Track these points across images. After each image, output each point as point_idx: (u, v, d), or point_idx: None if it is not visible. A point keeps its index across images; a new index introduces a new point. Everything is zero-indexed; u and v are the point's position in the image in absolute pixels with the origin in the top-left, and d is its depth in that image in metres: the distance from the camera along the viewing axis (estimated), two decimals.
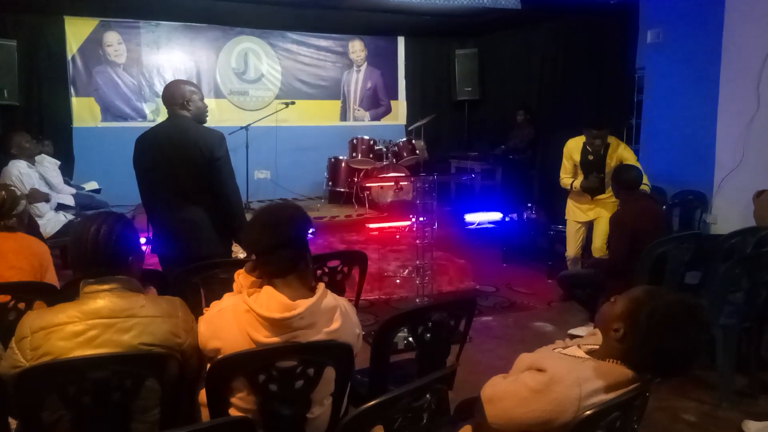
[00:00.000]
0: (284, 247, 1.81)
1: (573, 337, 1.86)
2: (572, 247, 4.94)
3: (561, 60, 7.46)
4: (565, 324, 4.32)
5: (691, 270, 3.75)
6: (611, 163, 4.64)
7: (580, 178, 4.81)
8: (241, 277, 1.90)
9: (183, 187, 3.00)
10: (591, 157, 4.73)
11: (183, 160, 2.97)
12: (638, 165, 4.44)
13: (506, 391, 1.62)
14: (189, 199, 3.01)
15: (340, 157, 7.83)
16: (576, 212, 4.95)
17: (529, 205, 6.68)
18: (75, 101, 7.49)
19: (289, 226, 1.85)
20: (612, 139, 4.78)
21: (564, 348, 1.75)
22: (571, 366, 1.56)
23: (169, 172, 2.99)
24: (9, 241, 2.75)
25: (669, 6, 6.00)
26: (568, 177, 4.91)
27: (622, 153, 4.71)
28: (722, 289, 3.23)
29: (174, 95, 3.07)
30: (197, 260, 2.79)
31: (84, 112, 7.54)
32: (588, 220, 4.87)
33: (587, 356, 1.65)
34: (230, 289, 1.95)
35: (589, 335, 1.88)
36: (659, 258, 3.54)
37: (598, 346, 1.68)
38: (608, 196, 4.65)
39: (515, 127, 7.89)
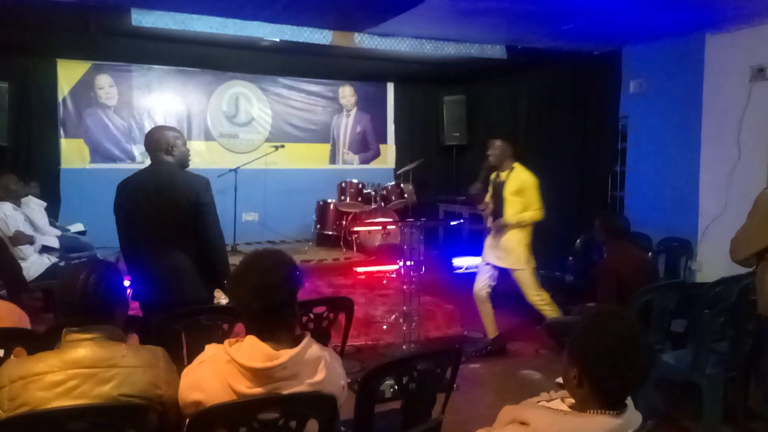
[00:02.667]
0: (277, 310, 1.78)
1: (560, 385, 1.84)
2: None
3: (546, 107, 7.63)
4: (553, 372, 4.28)
5: (676, 318, 3.76)
6: (510, 187, 4.71)
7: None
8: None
9: (167, 232, 3.00)
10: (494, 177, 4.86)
11: (169, 205, 2.97)
12: (538, 197, 4.68)
13: None
14: (173, 244, 3.00)
15: (329, 200, 7.86)
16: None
17: None
18: (64, 142, 7.51)
19: (284, 289, 1.79)
20: (518, 166, 4.83)
21: (548, 401, 1.74)
22: (554, 419, 1.55)
23: (153, 217, 2.99)
24: None
25: (651, 57, 6.20)
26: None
27: (523, 180, 4.76)
28: (707, 338, 3.24)
29: (159, 141, 3.08)
30: (181, 305, 2.77)
31: (73, 153, 7.55)
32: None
33: (569, 410, 1.64)
34: (213, 336, 1.93)
35: None
36: (644, 306, 3.55)
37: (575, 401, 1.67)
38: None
39: None
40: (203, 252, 3.02)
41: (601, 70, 6.76)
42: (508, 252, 4.72)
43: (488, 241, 4.87)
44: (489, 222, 4.90)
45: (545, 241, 7.05)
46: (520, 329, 5.45)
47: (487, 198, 4.92)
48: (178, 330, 2.58)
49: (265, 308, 1.75)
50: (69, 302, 1.82)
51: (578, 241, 5.85)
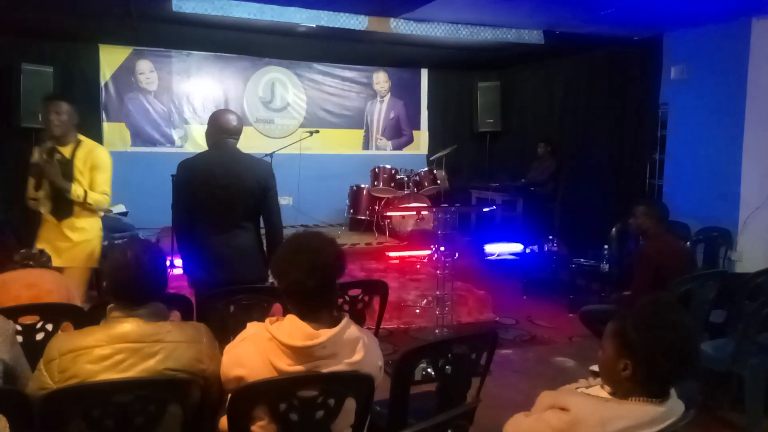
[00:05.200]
0: (326, 288, 1.81)
1: (595, 374, 1.83)
2: None
3: (584, 94, 7.49)
4: (587, 360, 4.23)
5: (716, 308, 3.69)
6: (83, 168, 3.76)
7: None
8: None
9: (234, 214, 3.10)
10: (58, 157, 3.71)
11: (238, 187, 3.08)
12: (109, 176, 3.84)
13: (529, 430, 1.61)
14: (238, 226, 3.12)
15: (362, 186, 7.89)
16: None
17: (551, 237, 6.65)
18: (106, 126, 7.69)
19: (335, 268, 1.84)
20: (86, 140, 3.88)
21: (587, 387, 1.73)
22: (595, 406, 1.55)
23: (222, 198, 3.06)
24: (40, 270, 2.83)
25: (693, 43, 6.02)
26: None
27: (96, 158, 3.81)
28: (750, 329, 3.18)
29: (226, 124, 3.17)
30: (245, 284, 2.85)
31: (114, 136, 7.73)
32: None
33: (610, 397, 1.63)
34: (253, 315, 1.97)
35: None
36: (683, 295, 3.49)
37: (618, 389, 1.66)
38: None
39: (536, 160, 7.90)
40: (266, 233, 3.18)
41: (642, 56, 6.60)
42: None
43: None
44: None
45: (580, 230, 7.01)
46: (553, 316, 5.42)
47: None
48: (219, 308, 2.64)
49: (319, 286, 1.78)
50: (116, 287, 1.88)
51: (614, 229, 5.76)
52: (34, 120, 6.77)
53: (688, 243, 5.30)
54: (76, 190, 3.72)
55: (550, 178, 7.71)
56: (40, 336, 2.36)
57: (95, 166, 3.83)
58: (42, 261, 2.93)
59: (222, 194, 3.06)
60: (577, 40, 6.56)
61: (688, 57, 6.09)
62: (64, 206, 3.77)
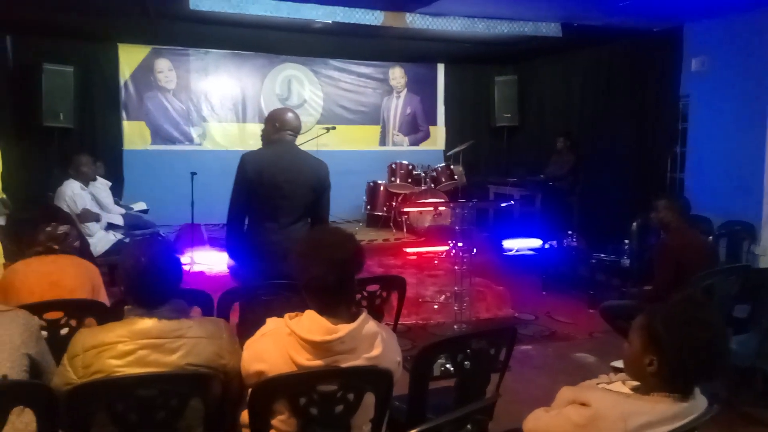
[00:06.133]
0: (345, 283, 1.82)
1: (617, 369, 1.82)
2: None
3: (602, 87, 7.42)
4: (608, 355, 4.21)
5: (739, 303, 3.64)
6: None
7: None
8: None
9: (296, 209, 3.18)
10: None
11: (302, 183, 3.16)
12: None
13: (549, 425, 1.60)
14: (298, 220, 3.20)
15: (379, 182, 7.90)
16: None
17: (570, 232, 6.59)
18: (126, 125, 7.78)
19: (355, 263, 1.85)
20: None
21: (608, 383, 1.72)
22: (616, 401, 1.54)
23: (287, 192, 3.14)
24: (65, 259, 2.87)
25: (714, 34, 5.92)
26: None
27: None
28: None
29: (289, 120, 3.25)
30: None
31: (134, 135, 7.83)
32: None
33: (632, 392, 1.61)
34: (272, 311, 1.98)
35: None
36: (706, 290, 3.44)
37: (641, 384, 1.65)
38: None
39: (555, 154, 7.83)
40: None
41: (661, 48, 6.52)
42: None
43: None
44: None
45: (600, 224, 6.94)
46: (573, 312, 5.38)
47: None
48: (238, 304, 2.66)
49: (338, 281, 1.79)
50: (132, 291, 1.90)
51: (634, 223, 5.69)
52: (55, 119, 6.89)
53: (710, 237, 5.21)
54: None
55: (569, 173, 7.64)
56: (64, 331, 2.40)
57: None
58: (67, 243, 2.93)
59: (287, 188, 3.14)
60: (596, 32, 6.48)
61: (709, 48, 5.99)
62: None
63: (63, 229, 2.96)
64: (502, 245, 7.07)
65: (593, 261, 5.78)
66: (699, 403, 1.57)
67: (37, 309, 2.26)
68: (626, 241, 5.61)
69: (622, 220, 6.18)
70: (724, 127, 5.86)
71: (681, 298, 1.62)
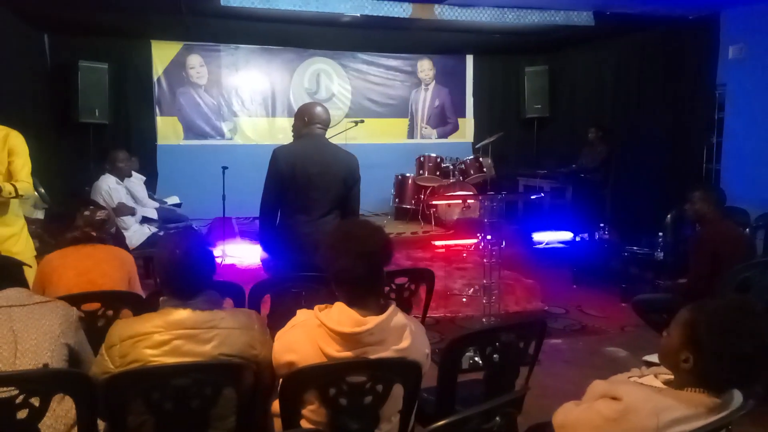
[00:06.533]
0: (374, 275, 1.84)
1: (649, 363, 1.79)
2: None
3: (636, 76, 7.26)
4: (640, 350, 4.15)
5: None
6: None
7: None
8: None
9: (327, 201, 3.22)
10: None
11: (334, 175, 3.20)
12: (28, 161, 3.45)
13: (579, 419, 1.59)
14: (329, 212, 3.23)
15: (407, 175, 7.89)
16: None
17: (602, 225, 6.49)
18: (159, 120, 7.93)
19: (384, 254, 1.87)
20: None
21: (640, 377, 1.70)
22: (648, 395, 1.51)
23: (318, 185, 3.18)
24: (103, 251, 2.95)
25: (752, 21, 5.75)
26: None
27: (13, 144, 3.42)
28: None
29: (321, 115, 3.30)
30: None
31: (167, 130, 7.97)
32: None
33: (664, 386, 1.59)
34: (301, 303, 2.01)
35: None
36: (742, 283, 3.36)
37: (674, 377, 1.62)
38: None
39: (587, 145, 7.71)
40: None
41: (697, 36, 6.35)
42: None
43: None
44: None
45: (633, 217, 6.82)
46: (605, 306, 5.31)
47: None
48: (269, 296, 2.70)
49: (368, 272, 1.81)
50: (168, 282, 1.95)
51: (669, 216, 5.58)
52: (91, 115, 7.05)
53: (746, 229, 5.08)
54: (6, 187, 3.32)
55: (602, 164, 7.52)
56: (101, 322, 2.47)
57: (13, 151, 3.41)
58: (104, 229, 2.99)
59: (318, 181, 3.18)
60: (629, 20, 6.35)
61: (747, 35, 5.82)
62: None
63: (101, 215, 3.04)
64: (531, 238, 7.00)
65: (626, 254, 5.69)
66: (734, 397, 1.54)
67: (75, 300, 2.33)
68: (660, 234, 5.50)
69: (656, 212, 6.07)
70: (762, 116, 5.70)
71: (730, 304, 1.54)
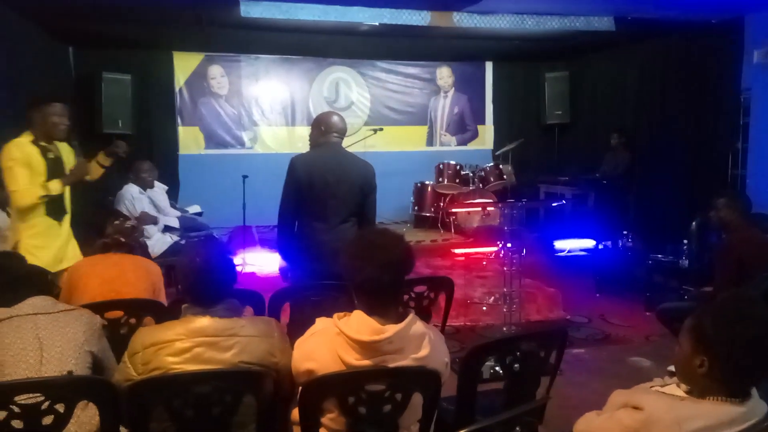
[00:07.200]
0: (397, 283, 1.85)
1: (672, 373, 1.77)
2: None
3: (658, 82, 7.18)
4: (665, 360, 4.05)
5: None
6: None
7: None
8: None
9: (345, 209, 3.26)
10: (52, 156, 3.60)
11: (351, 183, 3.25)
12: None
13: (601, 428, 1.57)
14: (347, 220, 3.27)
15: (426, 182, 7.88)
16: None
17: (625, 232, 6.41)
18: (181, 130, 8.03)
19: (408, 263, 1.88)
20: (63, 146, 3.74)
21: (662, 386, 1.67)
22: (670, 405, 1.49)
23: (336, 193, 3.23)
24: (130, 261, 3.00)
25: None
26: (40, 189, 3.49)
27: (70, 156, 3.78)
28: None
29: (338, 124, 3.33)
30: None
31: (189, 140, 8.07)
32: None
33: (686, 396, 1.56)
34: (320, 311, 2.01)
35: None
36: None
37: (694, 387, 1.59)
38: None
39: (610, 152, 7.62)
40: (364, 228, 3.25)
41: (720, 40, 6.26)
42: None
43: None
44: None
45: (657, 224, 6.72)
46: (629, 315, 5.23)
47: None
48: (288, 304, 2.72)
49: (392, 281, 1.82)
50: (190, 289, 1.97)
51: (693, 223, 5.50)
52: (114, 126, 7.16)
53: None
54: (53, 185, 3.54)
55: (625, 171, 7.42)
56: (124, 330, 2.51)
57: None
58: (134, 237, 3.05)
59: (336, 188, 3.22)
60: (651, 25, 6.29)
61: None
62: (60, 206, 3.70)
63: (131, 223, 3.12)
64: (553, 246, 6.93)
65: (650, 262, 5.61)
66: (758, 407, 1.51)
67: (98, 308, 2.36)
68: (685, 241, 5.43)
69: (681, 220, 5.99)
70: None
71: (729, 296, 1.59)
